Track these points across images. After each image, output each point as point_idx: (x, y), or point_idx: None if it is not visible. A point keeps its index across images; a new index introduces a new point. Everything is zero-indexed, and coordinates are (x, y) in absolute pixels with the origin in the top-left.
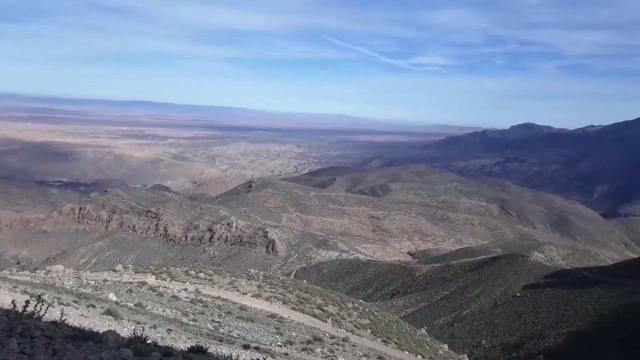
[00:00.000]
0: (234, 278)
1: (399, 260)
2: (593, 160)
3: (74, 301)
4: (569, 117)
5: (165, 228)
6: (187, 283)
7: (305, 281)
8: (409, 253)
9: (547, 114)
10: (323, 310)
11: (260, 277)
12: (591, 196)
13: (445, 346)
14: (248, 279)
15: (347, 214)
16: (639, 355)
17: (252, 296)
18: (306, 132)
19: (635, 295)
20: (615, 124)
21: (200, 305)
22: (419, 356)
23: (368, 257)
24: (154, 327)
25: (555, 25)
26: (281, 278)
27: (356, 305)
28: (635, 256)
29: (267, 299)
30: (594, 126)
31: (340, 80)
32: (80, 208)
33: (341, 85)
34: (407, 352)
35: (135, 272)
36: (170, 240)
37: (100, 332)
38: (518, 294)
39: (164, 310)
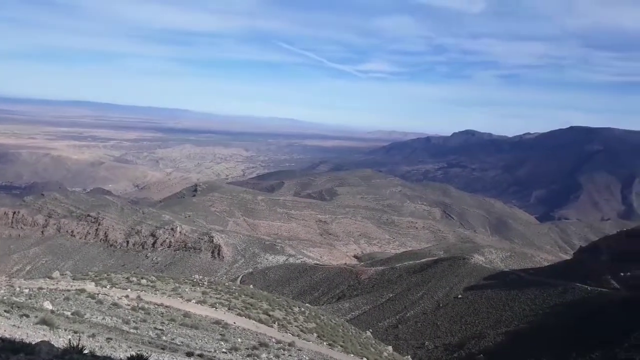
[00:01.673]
0: (177, 284)
1: (345, 263)
2: (530, 166)
3: (5, 311)
4: (508, 124)
5: (105, 233)
6: (129, 290)
7: (251, 286)
8: (355, 256)
9: (488, 122)
10: (269, 316)
11: (205, 283)
12: (528, 201)
13: (390, 348)
14: (192, 285)
15: (295, 218)
16: (572, 354)
17: (196, 302)
18: (254, 136)
19: (568, 295)
20: (551, 132)
21: (142, 312)
22: (364, 359)
23: (315, 261)
24: (93, 336)
25: (495, 35)
26: (227, 284)
27: (303, 309)
28: (568, 258)
29: (212, 305)
30: (531, 134)
31: (288, 84)
32: (14, 212)
33: (290, 90)
34: (352, 355)
35: (74, 279)
36: (111, 245)
37: (33, 342)
38: (459, 296)
39: (103, 319)
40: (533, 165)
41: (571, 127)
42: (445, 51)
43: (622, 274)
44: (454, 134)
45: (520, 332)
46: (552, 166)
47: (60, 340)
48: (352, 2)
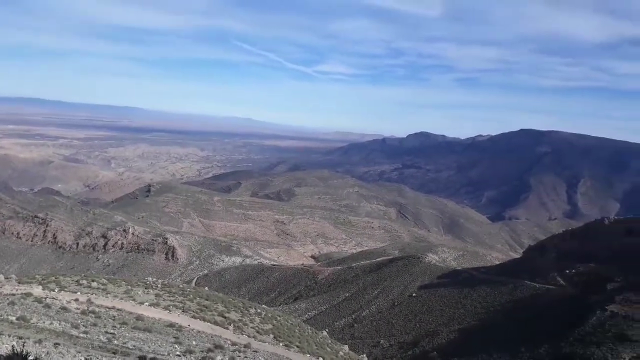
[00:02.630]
0: (130, 287)
1: (302, 264)
2: (482, 167)
3: None
4: (462, 126)
5: (54, 235)
6: (79, 293)
7: (206, 288)
8: (312, 256)
9: (442, 124)
10: (225, 317)
11: (159, 285)
12: (480, 201)
13: (346, 347)
14: (145, 288)
15: (252, 219)
16: (521, 348)
17: (149, 305)
18: (211, 135)
19: (517, 292)
20: (502, 134)
21: (93, 316)
22: (320, 358)
23: (272, 262)
24: (39, 341)
25: (451, 40)
26: (181, 286)
27: (259, 310)
28: (517, 256)
29: (165, 308)
30: (483, 136)
31: (246, 84)
32: None
33: (248, 89)
34: (308, 355)
35: (19, 283)
36: (60, 247)
37: None
38: (414, 294)
39: (51, 323)
40: (485, 167)
41: (521, 130)
42: (402, 54)
43: (567, 271)
44: (409, 135)
45: (472, 329)
46: (503, 167)
47: (3, 347)
48: (311, 3)
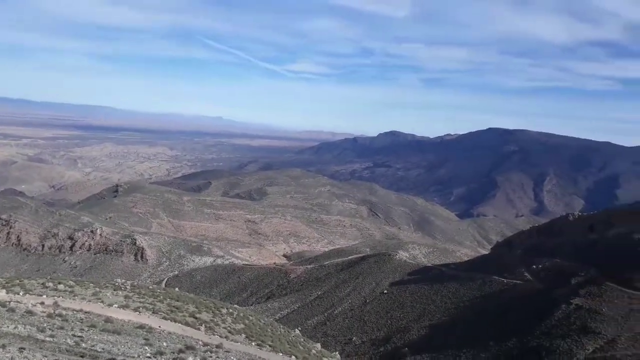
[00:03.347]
0: (98, 289)
1: (274, 263)
2: (451, 166)
3: None
4: (430, 126)
5: (18, 237)
6: (44, 296)
7: (177, 289)
8: (284, 255)
9: (411, 123)
10: (196, 318)
11: (128, 286)
12: (449, 199)
13: (318, 345)
14: (114, 290)
15: (223, 219)
16: (490, 343)
17: (118, 307)
18: (180, 134)
19: (486, 288)
20: (470, 133)
21: (60, 319)
22: (293, 357)
23: (244, 262)
24: (3, 346)
25: (419, 40)
26: (151, 287)
27: (231, 310)
28: (486, 252)
29: (135, 310)
30: (452, 135)
31: (216, 82)
32: None
33: (217, 88)
34: (281, 354)
35: None
36: (25, 250)
37: None
38: (385, 291)
39: (15, 327)
40: (454, 165)
41: (489, 129)
42: (372, 54)
43: (534, 266)
44: (380, 134)
45: (442, 325)
46: (471, 166)
47: None
48: (281, 2)
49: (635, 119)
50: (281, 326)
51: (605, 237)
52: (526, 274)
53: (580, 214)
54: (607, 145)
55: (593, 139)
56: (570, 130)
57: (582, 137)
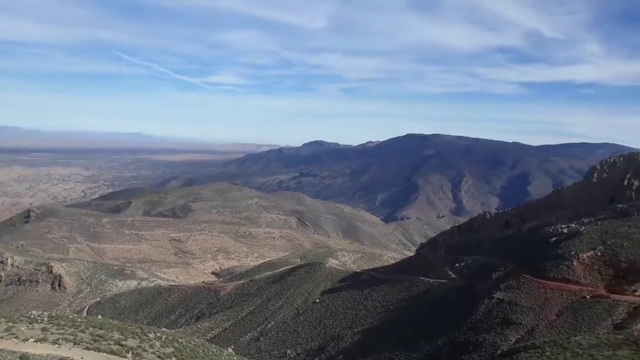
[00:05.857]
0: (11, 323)
1: (203, 281)
2: (373, 172)
3: None
4: (352, 134)
5: None
6: None
7: (100, 316)
8: (213, 273)
9: (335, 132)
10: (122, 345)
11: (45, 318)
12: (374, 204)
13: None
14: (30, 323)
15: (146, 239)
16: (420, 342)
17: (35, 341)
18: (95, 153)
19: (413, 289)
20: (390, 140)
21: None
22: None
23: (170, 283)
24: None
25: (336, 50)
26: (71, 316)
27: (159, 334)
28: (411, 254)
29: (54, 342)
30: (373, 142)
31: (132, 97)
32: None
33: (134, 103)
34: None
35: None
36: None
37: None
38: (317, 300)
39: None
40: (376, 171)
41: (408, 135)
42: (291, 65)
43: (457, 264)
44: (304, 144)
45: (374, 329)
46: (393, 170)
47: None
48: (195, 14)
49: (540, 120)
50: (213, 346)
51: (519, 231)
52: (450, 273)
53: (496, 211)
54: (517, 145)
55: (503, 140)
56: (483, 132)
57: (494, 138)
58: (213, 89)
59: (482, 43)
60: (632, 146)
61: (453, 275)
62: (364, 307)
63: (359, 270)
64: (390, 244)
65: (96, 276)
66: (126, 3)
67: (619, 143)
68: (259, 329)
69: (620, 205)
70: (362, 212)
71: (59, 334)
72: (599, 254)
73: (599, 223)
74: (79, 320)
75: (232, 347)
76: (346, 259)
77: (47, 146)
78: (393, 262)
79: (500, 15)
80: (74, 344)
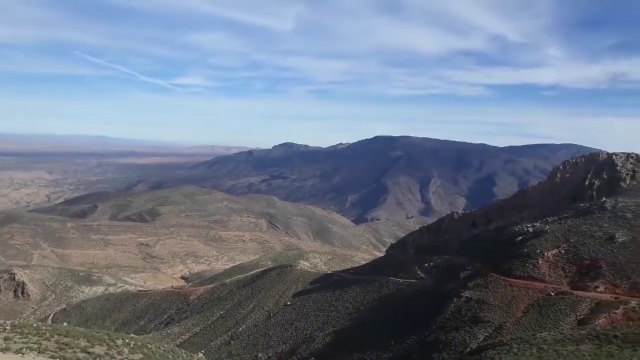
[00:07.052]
0: None
1: (172, 286)
2: (343, 173)
3: None
4: (323, 136)
5: None
6: None
7: (65, 324)
8: (182, 277)
9: (305, 134)
10: (89, 353)
11: (8, 327)
12: (344, 205)
13: None
14: None
15: (113, 244)
16: (391, 342)
17: None
18: (59, 156)
19: (384, 289)
20: (359, 142)
21: None
22: None
23: (138, 288)
24: None
25: (305, 53)
26: (35, 325)
27: (127, 340)
28: (381, 255)
29: (17, 352)
30: (343, 144)
31: (97, 99)
32: None
33: (99, 105)
34: None
35: None
36: None
37: None
38: (288, 303)
39: None
40: (346, 173)
41: (376, 137)
42: (260, 67)
43: (426, 264)
44: (274, 146)
45: (345, 330)
46: (362, 172)
47: None
48: (161, 15)
49: (504, 121)
50: (183, 351)
51: (486, 231)
52: (419, 272)
53: (463, 211)
54: (482, 147)
55: (469, 142)
56: (449, 134)
57: (460, 140)
58: (181, 91)
59: (448, 46)
60: (593, 147)
61: (422, 275)
62: (335, 308)
63: (330, 271)
64: (360, 245)
65: (61, 283)
66: (90, 3)
67: (581, 144)
68: (229, 333)
69: (582, 204)
70: (332, 213)
71: (23, 342)
72: (562, 251)
73: (563, 222)
74: (44, 328)
75: (203, 351)
76: (317, 260)
77: (8, 149)
78: (363, 262)
79: (466, 19)
80: (39, 352)
